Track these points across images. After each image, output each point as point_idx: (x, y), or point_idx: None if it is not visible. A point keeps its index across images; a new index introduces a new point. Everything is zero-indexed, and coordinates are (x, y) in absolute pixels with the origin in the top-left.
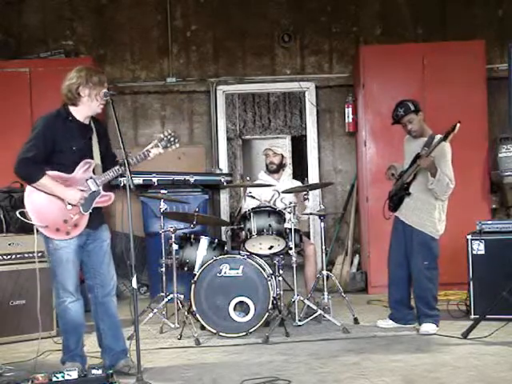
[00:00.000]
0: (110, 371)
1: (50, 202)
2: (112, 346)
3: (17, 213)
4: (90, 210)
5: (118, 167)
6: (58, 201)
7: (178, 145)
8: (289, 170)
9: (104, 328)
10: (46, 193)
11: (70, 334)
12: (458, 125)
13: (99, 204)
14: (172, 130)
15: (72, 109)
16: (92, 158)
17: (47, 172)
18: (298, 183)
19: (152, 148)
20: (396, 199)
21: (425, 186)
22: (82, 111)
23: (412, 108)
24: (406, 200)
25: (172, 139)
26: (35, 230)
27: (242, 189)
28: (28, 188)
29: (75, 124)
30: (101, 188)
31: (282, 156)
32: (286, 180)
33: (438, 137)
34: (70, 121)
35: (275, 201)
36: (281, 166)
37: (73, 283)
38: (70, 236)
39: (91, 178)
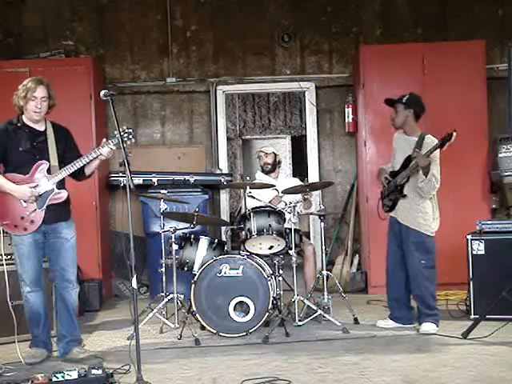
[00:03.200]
0: (110, 371)
1: (7, 200)
2: (66, 335)
3: None
4: (45, 207)
5: (69, 166)
6: (14, 199)
7: (133, 140)
8: (286, 168)
9: (61, 317)
10: (3, 192)
11: (32, 322)
12: (455, 134)
13: (54, 201)
14: (127, 126)
15: (23, 116)
16: (47, 159)
17: (6, 174)
18: (296, 180)
19: (102, 147)
20: (390, 201)
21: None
22: (26, 117)
23: (404, 100)
24: (401, 201)
25: (125, 135)
26: (0, 230)
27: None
28: None
29: (24, 129)
30: (54, 186)
31: (275, 154)
32: (284, 177)
33: (428, 136)
34: (19, 127)
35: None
36: (275, 164)
37: (29, 276)
38: (28, 231)
39: (45, 177)
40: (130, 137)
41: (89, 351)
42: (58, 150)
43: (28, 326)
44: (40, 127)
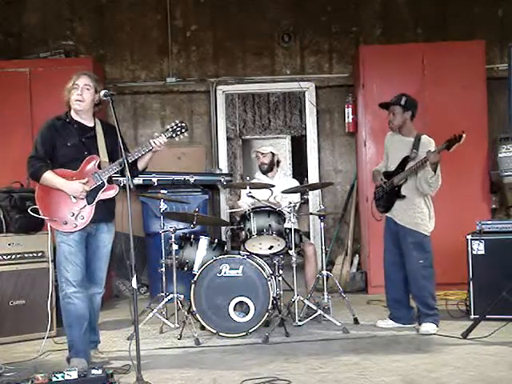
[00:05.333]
0: (110, 371)
1: (56, 196)
2: None
3: (29, 210)
4: (95, 203)
5: (120, 160)
6: (64, 195)
7: (186, 134)
8: (286, 168)
9: None
10: (52, 188)
11: (73, 328)
12: (464, 136)
13: (104, 196)
14: (180, 120)
15: (72, 111)
16: (96, 155)
17: (56, 170)
18: (294, 181)
19: (155, 138)
20: (386, 201)
21: (414, 187)
22: (73, 112)
23: (402, 102)
24: (398, 201)
25: (178, 129)
26: (49, 228)
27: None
28: (37, 186)
29: (73, 124)
30: (105, 181)
31: (272, 154)
32: (282, 178)
33: (424, 137)
34: (67, 122)
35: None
36: (273, 164)
37: (74, 275)
38: (78, 228)
39: (96, 172)
40: (183, 130)
41: (103, 356)
42: (107, 146)
43: (67, 332)
44: (89, 123)
